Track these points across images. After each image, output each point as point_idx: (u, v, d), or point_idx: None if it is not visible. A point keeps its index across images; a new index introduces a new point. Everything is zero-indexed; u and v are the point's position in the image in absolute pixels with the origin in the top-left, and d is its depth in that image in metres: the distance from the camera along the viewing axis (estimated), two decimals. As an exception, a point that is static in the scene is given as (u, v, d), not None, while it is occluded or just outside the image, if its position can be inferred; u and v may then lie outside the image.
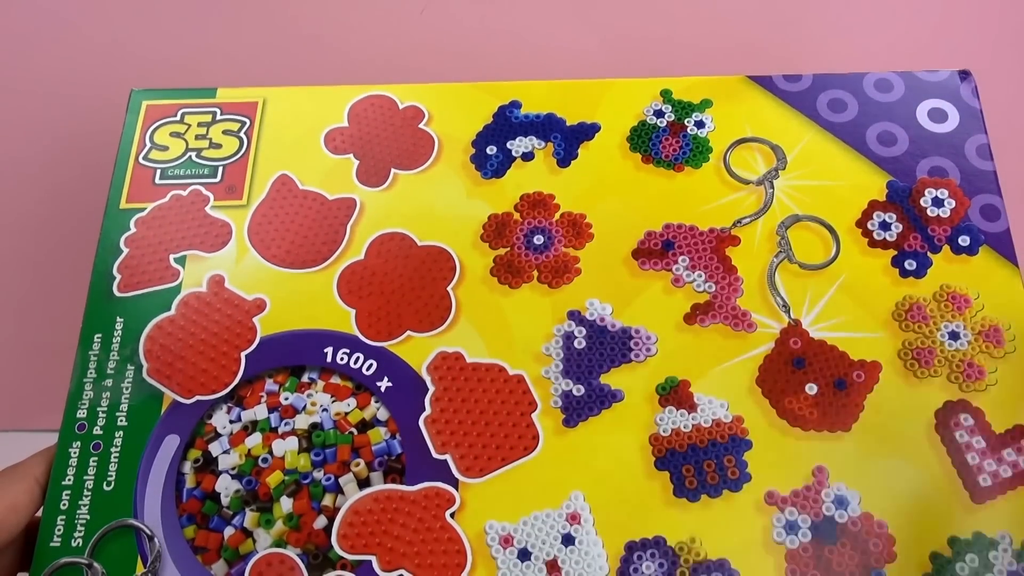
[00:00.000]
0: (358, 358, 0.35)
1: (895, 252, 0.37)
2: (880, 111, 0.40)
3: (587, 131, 0.40)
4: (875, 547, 0.31)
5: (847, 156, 0.39)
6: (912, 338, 0.35)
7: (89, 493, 0.33)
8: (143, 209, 0.39)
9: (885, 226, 0.37)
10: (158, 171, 0.40)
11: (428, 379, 0.35)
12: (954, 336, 0.35)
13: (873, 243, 0.37)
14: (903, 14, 0.48)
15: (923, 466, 0.33)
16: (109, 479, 0.34)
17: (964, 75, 0.41)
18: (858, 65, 0.42)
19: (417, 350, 0.35)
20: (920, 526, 0.32)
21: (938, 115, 0.40)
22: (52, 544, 0.32)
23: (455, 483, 0.33)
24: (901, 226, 0.37)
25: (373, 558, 0.32)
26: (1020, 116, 0.45)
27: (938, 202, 0.38)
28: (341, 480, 0.33)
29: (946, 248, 0.37)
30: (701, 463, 0.33)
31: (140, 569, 0.32)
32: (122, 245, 0.38)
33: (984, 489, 0.32)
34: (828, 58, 0.47)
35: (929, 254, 0.37)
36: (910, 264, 0.37)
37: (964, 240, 0.37)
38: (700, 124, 0.40)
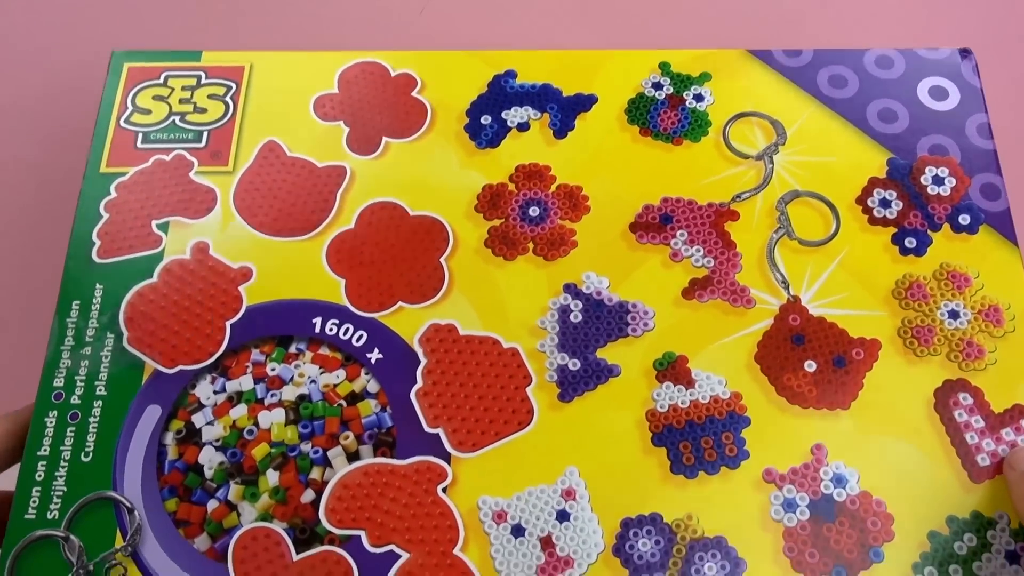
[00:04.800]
0: (348, 329, 0.34)
1: (895, 229, 0.36)
2: (881, 88, 0.40)
3: (584, 102, 0.39)
4: (873, 525, 0.31)
5: (847, 132, 0.39)
6: (912, 316, 0.35)
7: (66, 464, 0.32)
8: (124, 174, 0.38)
9: (885, 203, 0.37)
10: (140, 135, 0.39)
11: (420, 351, 0.34)
12: (954, 315, 0.35)
13: (873, 220, 0.37)
14: (902, -7, 0.48)
15: (922, 445, 0.32)
16: (87, 450, 0.32)
17: (965, 53, 0.40)
18: (858, 42, 0.42)
19: (409, 321, 0.35)
20: (918, 505, 0.31)
21: (939, 93, 0.39)
22: (27, 516, 0.31)
23: (447, 457, 0.32)
24: (901, 203, 0.37)
25: (362, 533, 0.31)
26: (1020, 96, 0.44)
27: (938, 180, 0.37)
28: (330, 453, 0.32)
29: (946, 226, 0.36)
30: (698, 440, 0.32)
31: (119, 543, 0.31)
32: (102, 210, 0.37)
33: (982, 469, 0.32)
34: (828, 34, 0.46)
35: (929, 232, 0.36)
36: (910, 242, 0.36)
37: (964, 219, 0.37)
38: (699, 97, 0.40)
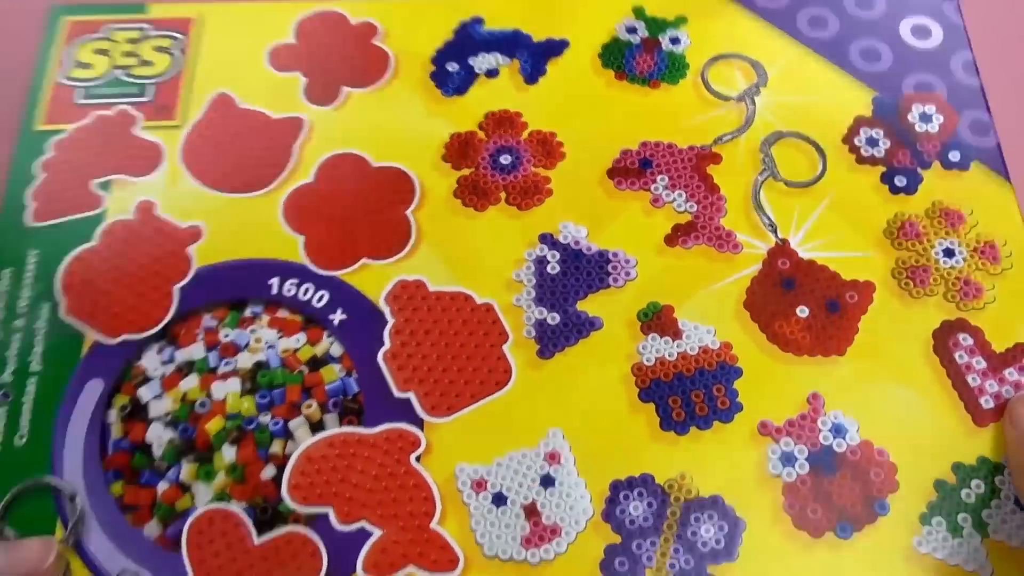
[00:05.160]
0: (308, 289, 0.32)
1: (884, 168, 0.35)
2: (862, 28, 0.38)
3: (555, 48, 0.37)
4: (876, 476, 0.29)
5: (830, 72, 0.37)
6: (906, 256, 0.33)
7: (-1, 448, 0.29)
8: (62, 132, 0.35)
9: (872, 142, 0.35)
10: (80, 90, 0.36)
11: (387, 310, 0.31)
12: (949, 253, 0.33)
13: (861, 159, 0.35)
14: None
15: (922, 390, 0.31)
16: (21, 433, 0.29)
17: (947, -9, 0.39)
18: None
19: (374, 279, 0.32)
20: (922, 453, 0.30)
21: (922, 32, 0.38)
22: (-45, 507, 0.28)
23: (420, 424, 0.30)
24: (889, 142, 0.35)
25: (330, 510, 0.28)
26: (1002, 36, 0.43)
27: (926, 118, 0.36)
28: (291, 424, 0.30)
29: (936, 164, 0.35)
30: (688, 393, 0.30)
31: (60, 534, 0.28)
32: (37, 170, 0.34)
33: (986, 411, 0.30)
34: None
35: (919, 170, 0.35)
36: (900, 180, 0.34)
37: (954, 155, 0.35)
38: (675, 40, 0.37)
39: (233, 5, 0.38)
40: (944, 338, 0.31)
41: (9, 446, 0.29)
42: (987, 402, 0.30)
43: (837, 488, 0.29)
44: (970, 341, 0.31)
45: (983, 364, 0.31)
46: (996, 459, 0.30)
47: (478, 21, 0.38)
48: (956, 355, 0.31)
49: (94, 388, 0.30)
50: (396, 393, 0.30)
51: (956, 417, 0.30)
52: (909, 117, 0.36)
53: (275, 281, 0.32)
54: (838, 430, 0.30)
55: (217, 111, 0.35)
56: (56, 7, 0.37)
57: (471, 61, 0.37)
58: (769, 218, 0.33)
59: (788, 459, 0.29)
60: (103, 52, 0.36)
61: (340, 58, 0.37)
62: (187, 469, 0.29)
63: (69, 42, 0.37)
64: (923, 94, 0.36)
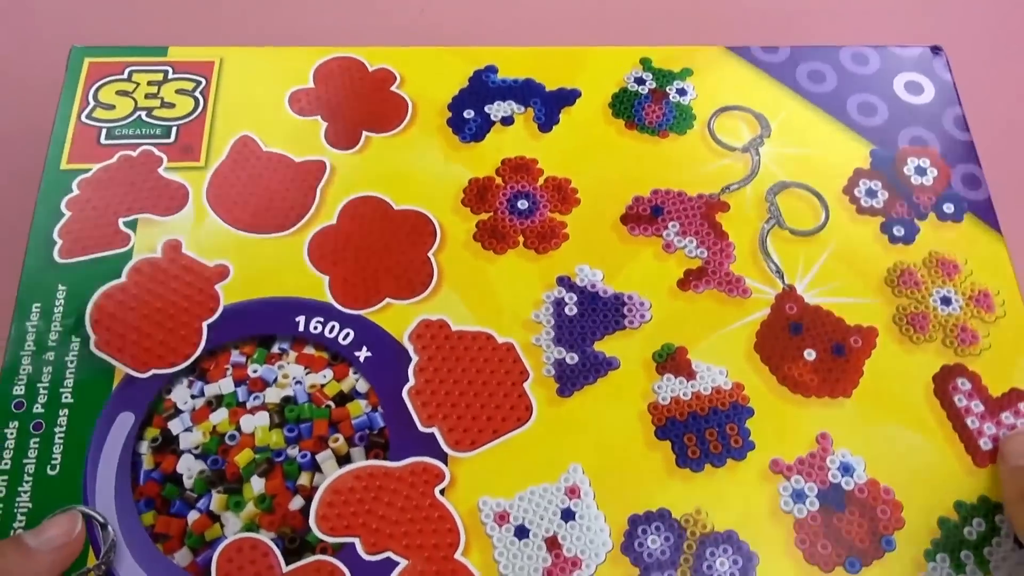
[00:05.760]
0: (333, 327, 0.33)
1: (883, 219, 0.36)
2: (858, 83, 0.40)
3: (567, 97, 0.39)
4: (883, 514, 0.30)
5: (829, 125, 0.39)
6: (906, 303, 0.34)
7: (30, 479, 0.30)
8: (87, 170, 0.36)
9: (872, 193, 0.37)
10: (103, 130, 0.36)
11: (411, 348, 0.32)
12: (946, 301, 0.35)
13: (861, 210, 0.37)
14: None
15: (924, 431, 0.32)
16: (54, 462, 0.30)
17: (936, 50, 0.41)
18: (831, 41, 0.42)
19: (398, 318, 0.33)
20: (926, 491, 0.31)
21: (914, 88, 0.40)
22: (-14, 537, 0.29)
23: (444, 458, 0.31)
24: (887, 193, 0.37)
25: (356, 540, 0.29)
26: (988, 91, 0.45)
27: (921, 171, 0.38)
28: (318, 457, 0.30)
29: (932, 215, 0.37)
30: (703, 432, 0.32)
31: (92, 561, 0.28)
32: (63, 208, 0.35)
33: (986, 453, 0.32)
34: (802, 33, 0.47)
35: (916, 221, 0.36)
36: (898, 230, 0.36)
37: (949, 207, 0.37)
38: (682, 92, 0.39)
39: (253, 49, 0.39)
40: (944, 382, 0.33)
41: (42, 476, 0.29)
42: (985, 444, 0.32)
43: (846, 525, 0.30)
44: (968, 385, 0.33)
45: (981, 407, 0.32)
46: (996, 498, 0.31)
47: (492, 70, 0.39)
48: (955, 399, 0.33)
49: (125, 421, 0.31)
50: (421, 428, 0.31)
51: (957, 457, 0.32)
52: (905, 170, 0.38)
53: (301, 319, 0.33)
54: (846, 468, 0.31)
55: (240, 153, 0.36)
56: (78, 48, 0.38)
57: (487, 109, 0.38)
58: (776, 265, 0.35)
59: (799, 496, 0.31)
60: (125, 93, 0.37)
61: (359, 104, 0.38)
62: (217, 499, 0.29)
63: (91, 82, 0.37)
64: (917, 148, 0.38)
